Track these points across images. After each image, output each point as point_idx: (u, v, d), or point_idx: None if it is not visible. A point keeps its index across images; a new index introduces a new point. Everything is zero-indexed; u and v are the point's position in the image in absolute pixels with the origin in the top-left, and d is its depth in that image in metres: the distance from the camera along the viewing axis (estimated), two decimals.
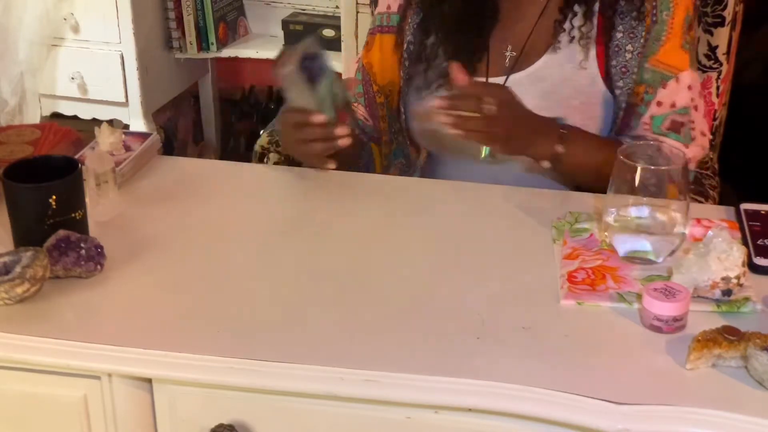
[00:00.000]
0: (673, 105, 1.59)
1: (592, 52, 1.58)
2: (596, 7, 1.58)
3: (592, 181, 1.49)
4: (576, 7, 1.59)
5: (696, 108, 1.60)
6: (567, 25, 1.59)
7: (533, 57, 1.61)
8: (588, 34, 1.58)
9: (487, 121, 1.42)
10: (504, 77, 1.62)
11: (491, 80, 1.62)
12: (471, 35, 1.64)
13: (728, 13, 1.76)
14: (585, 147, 1.52)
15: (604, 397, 1.06)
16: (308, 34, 3.27)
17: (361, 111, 1.77)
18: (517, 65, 1.62)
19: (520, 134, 1.48)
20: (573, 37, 1.59)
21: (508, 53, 1.64)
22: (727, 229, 1.27)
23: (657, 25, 1.56)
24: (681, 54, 1.58)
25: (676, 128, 1.59)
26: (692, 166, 1.60)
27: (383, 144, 1.76)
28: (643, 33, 1.56)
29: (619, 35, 1.56)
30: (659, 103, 1.59)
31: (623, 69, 1.58)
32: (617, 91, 1.58)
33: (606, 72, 1.58)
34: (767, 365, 1.07)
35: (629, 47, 1.57)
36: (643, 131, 1.60)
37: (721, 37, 1.77)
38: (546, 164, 1.51)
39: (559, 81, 1.60)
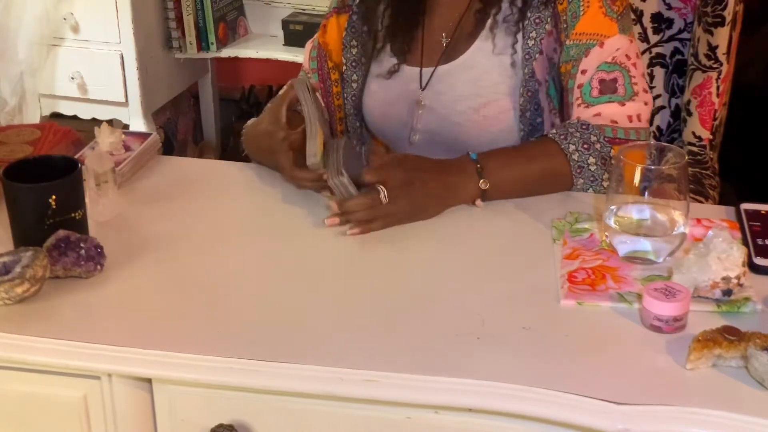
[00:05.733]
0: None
1: (511, 39, 1.60)
2: None
3: (531, 192, 1.48)
4: None
5: (635, 65, 1.56)
6: (493, 13, 1.61)
7: (465, 45, 1.64)
8: (508, 22, 1.60)
9: (382, 211, 1.40)
10: (432, 68, 1.65)
11: (424, 71, 1.66)
12: (406, 22, 1.67)
13: (728, 13, 1.76)
14: (507, 169, 1.47)
15: (604, 397, 1.06)
16: (308, 34, 3.29)
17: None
18: (451, 54, 1.65)
19: (429, 199, 1.43)
20: (497, 24, 1.61)
21: (444, 40, 1.66)
22: (727, 229, 1.27)
23: (572, 3, 1.56)
24: (605, 21, 1.55)
25: (608, 88, 1.54)
26: (643, 125, 1.55)
27: (337, 121, 1.76)
28: (549, 18, 1.57)
29: (527, 23, 1.58)
30: (583, 71, 1.55)
31: (527, 55, 1.59)
32: (532, 76, 1.59)
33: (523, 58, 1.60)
34: (767, 365, 1.07)
35: (533, 34, 1.58)
36: (576, 108, 1.56)
37: (721, 37, 1.76)
38: (478, 202, 1.46)
39: (487, 68, 1.62)
